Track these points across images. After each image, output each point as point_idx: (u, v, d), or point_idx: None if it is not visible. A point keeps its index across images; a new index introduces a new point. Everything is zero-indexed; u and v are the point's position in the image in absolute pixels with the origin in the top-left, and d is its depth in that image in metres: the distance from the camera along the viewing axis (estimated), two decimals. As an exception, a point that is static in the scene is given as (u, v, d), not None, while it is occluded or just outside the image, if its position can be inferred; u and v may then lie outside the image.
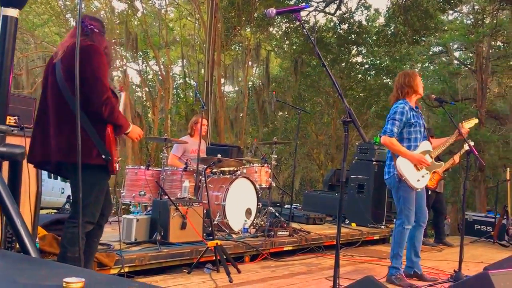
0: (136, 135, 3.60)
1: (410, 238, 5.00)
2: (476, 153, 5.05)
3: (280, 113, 26.96)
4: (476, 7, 22.68)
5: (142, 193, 6.12)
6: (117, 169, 3.37)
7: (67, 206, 17.33)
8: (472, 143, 5.23)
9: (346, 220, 8.63)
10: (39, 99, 3.48)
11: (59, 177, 17.99)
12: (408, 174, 4.74)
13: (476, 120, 5.50)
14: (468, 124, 5.26)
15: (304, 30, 3.31)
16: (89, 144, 3.21)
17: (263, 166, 7.07)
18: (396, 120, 4.77)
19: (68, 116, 3.23)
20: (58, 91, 3.30)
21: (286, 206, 9.00)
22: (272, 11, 3.24)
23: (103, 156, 3.23)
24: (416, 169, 4.79)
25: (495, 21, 20.46)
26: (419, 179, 4.81)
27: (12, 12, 1.82)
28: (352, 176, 9.00)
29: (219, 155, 6.01)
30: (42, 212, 4.62)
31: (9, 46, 1.81)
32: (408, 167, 4.76)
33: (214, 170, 6.63)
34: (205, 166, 5.55)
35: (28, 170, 3.57)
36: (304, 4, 16.83)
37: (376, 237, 8.23)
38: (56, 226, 4.50)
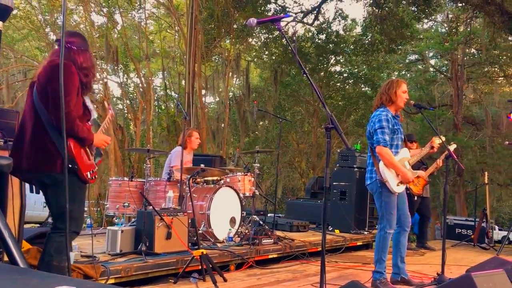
0: (102, 142, 3.70)
1: (395, 243, 5.05)
2: (455, 157, 5.15)
3: (261, 122, 27.08)
4: (450, 15, 23.14)
5: (126, 204, 6.14)
6: (89, 177, 3.47)
7: (50, 220, 17.12)
8: (454, 146, 5.35)
9: (330, 226, 8.70)
10: (21, 115, 3.57)
11: (41, 191, 17.84)
12: (390, 178, 4.80)
13: (454, 145, 5.54)
14: (438, 140, 5.30)
15: (285, 39, 3.38)
16: (55, 155, 3.32)
17: (246, 175, 7.13)
18: (384, 127, 4.79)
19: (41, 130, 3.37)
20: (34, 107, 3.43)
21: (269, 215, 9.06)
22: (253, 21, 3.31)
23: (69, 165, 3.31)
24: (397, 174, 4.86)
25: (469, 29, 20.90)
26: (398, 183, 4.88)
27: None
28: (334, 183, 9.08)
29: (202, 165, 6.06)
30: (25, 226, 4.61)
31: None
32: (390, 171, 4.82)
33: (197, 180, 6.67)
34: (189, 176, 5.59)
35: (11, 184, 3.59)
36: (284, 14, 17.01)
37: (359, 243, 8.32)
38: (40, 240, 4.47)
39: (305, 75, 3.21)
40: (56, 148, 3.33)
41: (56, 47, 3.57)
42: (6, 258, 1.64)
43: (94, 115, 3.74)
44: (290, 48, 3.33)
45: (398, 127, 4.96)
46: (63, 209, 3.29)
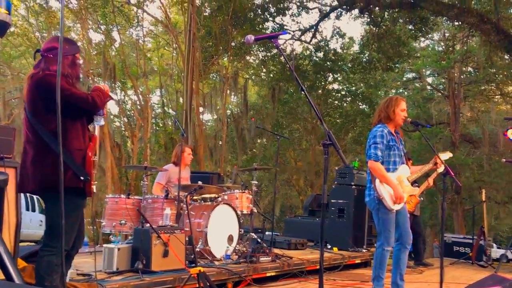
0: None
1: (395, 260, 5.03)
2: (453, 174, 5.14)
3: (259, 140, 27.09)
4: (447, 34, 23.31)
5: (123, 222, 6.08)
6: (94, 191, 3.43)
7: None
8: (450, 155, 5.36)
9: (328, 244, 8.65)
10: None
11: (37, 209, 17.73)
12: (386, 195, 4.80)
13: (450, 154, 5.58)
14: (443, 156, 5.34)
15: (282, 56, 3.39)
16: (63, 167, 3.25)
17: (244, 192, 7.09)
18: (378, 143, 4.83)
19: (40, 144, 3.33)
20: (31, 127, 3.40)
21: (267, 233, 9.00)
22: (251, 37, 3.32)
23: (82, 178, 3.25)
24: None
25: (465, 48, 21.03)
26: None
27: None
28: (332, 201, 9.06)
29: (200, 182, 6.04)
30: (21, 244, 4.57)
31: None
32: (387, 189, 4.82)
33: (195, 197, 6.64)
34: (187, 193, 5.56)
35: (7, 201, 3.57)
36: (282, 31, 17.11)
37: (357, 261, 8.26)
38: (36, 258, 4.45)
39: (303, 91, 3.21)
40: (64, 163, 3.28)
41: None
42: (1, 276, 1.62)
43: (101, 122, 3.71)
44: (288, 65, 3.36)
45: (395, 144, 4.96)
46: (55, 225, 3.28)
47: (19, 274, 1.62)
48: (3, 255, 1.63)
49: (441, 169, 5.22)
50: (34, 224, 18.71)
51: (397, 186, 4.84)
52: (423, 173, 5.40)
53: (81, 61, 3.75)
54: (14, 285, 1.52)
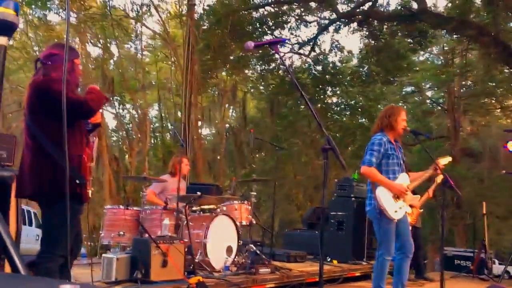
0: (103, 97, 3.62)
1: (397, 270, 4.99)
2: (452, 182, 5.11)
3: (258, 155, 27.02)
4: (446, 47, 23.37)
5: (121, 233, 6.03)
6: (90, 196, 3.43)
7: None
8: (449, 159, 5.35)
9: (328, 257, 8.58)
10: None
11: (33, 223, 17.59)
12: (387, 205, 4.77)
13: (449, 158, 5.57)
14: (443, 161, 5.33)
15: (280, 59, 3.40)
16: (59, 173, 3.23)
17: (243, 203, 7.05)
18: (374, 150, 4.85)
19: (38, 149, 3.32)
20: (27, 127, 3.40)
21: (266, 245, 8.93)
22: (251, 44, 3.33)
23: (77, 181, 3.21)
24: (394, 200, 4.83)
25: (464, 61, 21.07)
26: (396, 210, 4.84)
27: (1, 40, 1.90)
28: (331, 213, 8.99)
29: (198, 193, 6.00)
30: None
31: (-2, 72, 1.91)
32: (387, 198, 4.80)
33: (194, 208, 6.59)
34: (185, 203, 5.51)
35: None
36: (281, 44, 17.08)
37: (357, 274, 8.18)
38: (32, 269, 4.40)
39: (301, 96, 3.22)
40: (57, 164, 3.24)
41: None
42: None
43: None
44: (286, 70, 3.34)
45: (394, 152, 4.97)
46: (52, 230, 3.26)
47: (25, 267, 1.63)
48: (10, 248, 1.64)
49: (440, 178, 5.20)
50: (31, 238, 18.56)
51: (393, 182, 4.83)
52: (424, 180, 5.37)
53: (80, 67, 3.73)
54: (21, 276, 1.57)
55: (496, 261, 22.36)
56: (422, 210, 8.49)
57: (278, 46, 3.43)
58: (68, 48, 3.59)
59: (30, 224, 17.53)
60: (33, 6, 18.06)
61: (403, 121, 5.06)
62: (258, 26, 18.64)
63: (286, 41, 17.37)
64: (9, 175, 1.86)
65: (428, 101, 27.20)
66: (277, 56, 3.45)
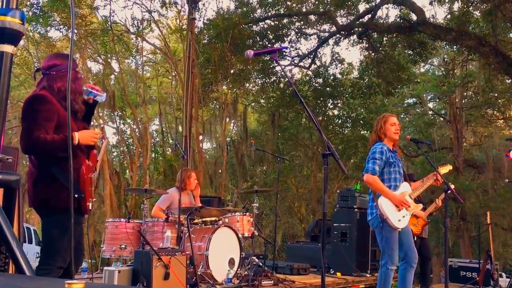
0: (90, 139, 3.43)
1: (401, 279, 4.93)
2: (453, 190, 5.07)
3: (259, 168, 26.97)
4: (446, 59, 23.42)
5: (123, 246, 5.98)
6: (90, 208, 3.37)
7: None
8: (450, 167, 5.31)
9: (331, 270, 8.50)
10: None
11: (33, 241, 17.48)
12: (390, 214, 4.73)
13: (450, 167, 5.55)
14: (443, 169, 5.31)
15: (283, 71, 3.39)
16: (58, 186, 3.22)
17: (245, 215, 6.99)
18: (377, 159, 4.82)
19: (36, 162, 3.34)
20: None
21: (268, 259, 8.87)
22: (250, 52, 3.34)
23: (75, 195, 3.18)
24: (397, 209, 4.79)
25: (465, 72, 21.10)
26: (400, 219, 4.80)
27: (8, 48, 1.99)
28: (334, 225, 8.92)
29: (200, 204, 5.95)
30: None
31: (5, 80, 1.98)
32: (389, 207, 4.76)
33: (195, 221, 6.54)
34: (187, 215, 5.47)
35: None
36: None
37: (361, 286, 8.10)
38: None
39: (301, 104, 3.21)
40: (55, 179, 3.24)
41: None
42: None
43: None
44: (285, 76, 3.33)
45: (395, 161, 4.95)
46: (51, 242, 3.23)
47: (31, 268, 1.64)
48: (15, 250, 1.65)
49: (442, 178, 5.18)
50: (30, 256, 18.42)
51: (395, 193, 4.80)
52: (425, 189, 5.34)
53: (82, 75, 3.71)
54: (27, 276, 1.60)
55: (504, 275, 22.14)
56: (429, 220, 8.42)
57: (277, 54, 3.43)
58: (67, 57, 3.60)
59: (30, 242, 17.41)
60: (33, 23, 18.10)
61: (393, 126, 5.05)
62: (258, 39, 18.69)
63: (285, 49, 17.40)
64: (15, 179, 1.88)
65: (430, 112, 27.22)
66: (277, 69, 3.47)
